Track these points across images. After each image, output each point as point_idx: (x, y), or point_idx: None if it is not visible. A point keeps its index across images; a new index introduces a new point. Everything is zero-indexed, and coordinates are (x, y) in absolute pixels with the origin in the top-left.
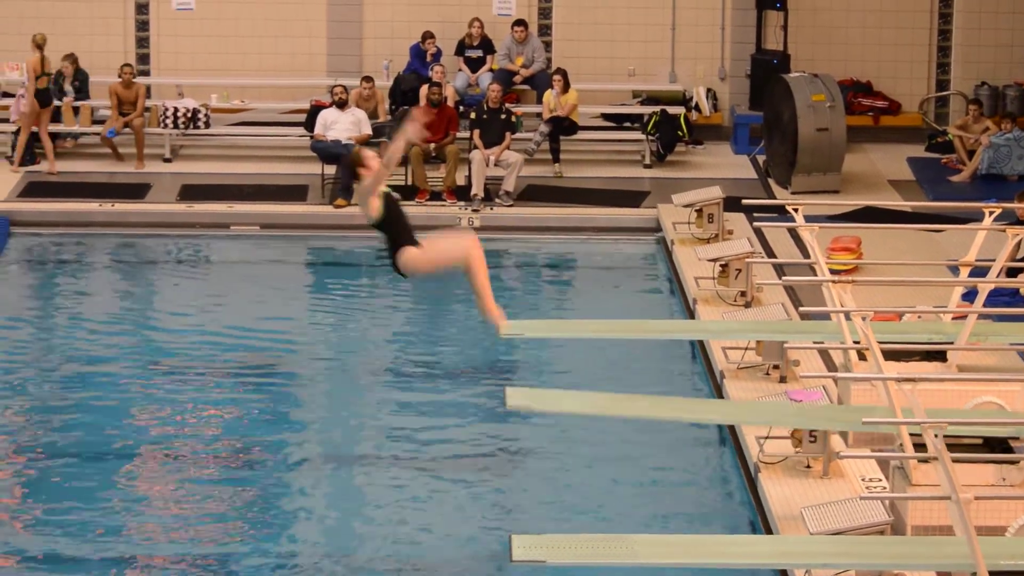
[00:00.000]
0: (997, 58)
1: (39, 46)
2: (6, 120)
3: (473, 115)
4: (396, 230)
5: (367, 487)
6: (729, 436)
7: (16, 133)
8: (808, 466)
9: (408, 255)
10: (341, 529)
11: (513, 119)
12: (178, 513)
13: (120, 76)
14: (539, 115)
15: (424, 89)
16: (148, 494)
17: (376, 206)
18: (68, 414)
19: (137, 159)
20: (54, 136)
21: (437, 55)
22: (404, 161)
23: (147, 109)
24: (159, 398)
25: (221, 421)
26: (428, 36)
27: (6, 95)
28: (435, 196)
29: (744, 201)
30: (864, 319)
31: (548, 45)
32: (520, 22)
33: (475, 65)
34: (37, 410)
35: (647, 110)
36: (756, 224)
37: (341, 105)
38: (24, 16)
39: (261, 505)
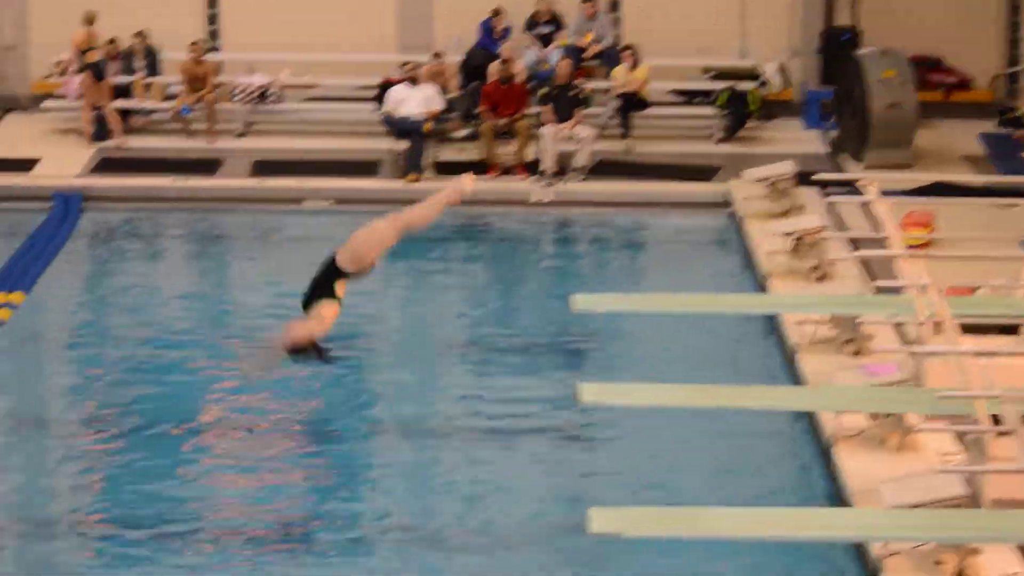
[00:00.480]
0: None
1: (88, 22)
2: (81, 96)
3: (543, 91)
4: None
5: (443, 458)
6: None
7: (91, 108)
8: (883, 440)
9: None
10: (417, 499)
11: (583, 95)
12: (256, 484)
13: (190, 52)
14: (609, 91)
15: (494, 65)
16: (224, 466)
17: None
18: (142, 388)
19: (209, 135)
20: (126, 113)
21: (506, 32)
22: (475, 136)
23: (218, 85)
24: (233, 372)
25: (296, 394)
26: (497, 13)
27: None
28: (507, 171)
29: (816, 176)
30: (938, 293)
31: (618, 21)
32: (589, 0)
33: (545, 41)
34: (111, 384)
35: (718, 86)
36: (830, 199)
37: (412, 81)
38: None
39: (337, 475)
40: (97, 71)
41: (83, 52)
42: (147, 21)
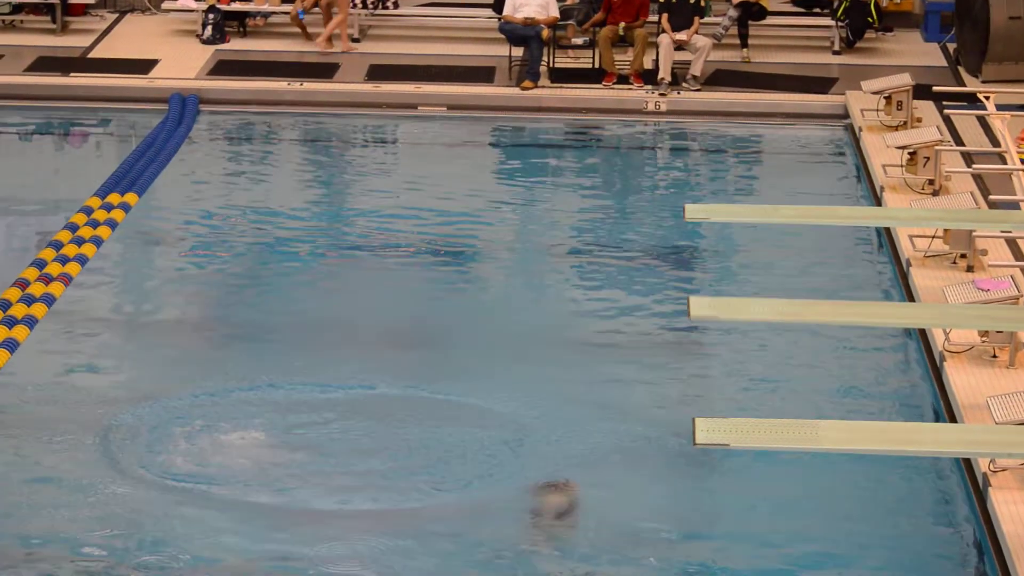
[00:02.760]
0: None
1: None
2: None
3: None
4: None
5: (551, 369)
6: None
7: (208, 11)
8: (994, 356)
9: None
10: (524, 410)
11: (702, 3)
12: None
13: None
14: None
15: None
16: (334, 369)
17: None
18: (256, 290)
19: (325, 39)
20: (244, 15)
21: None
22: (592, 44)
23: None
24: (344, 276)
25: (405, 300)
26: None
27: None
28: (622, 80)
29: (934, 88)
30: None
31: None
32: None
33: None
34: (224, 288)
35: None
36: (946, 112)
37: None
38: None
39: (445, 384)
40: None
41: None
42: None
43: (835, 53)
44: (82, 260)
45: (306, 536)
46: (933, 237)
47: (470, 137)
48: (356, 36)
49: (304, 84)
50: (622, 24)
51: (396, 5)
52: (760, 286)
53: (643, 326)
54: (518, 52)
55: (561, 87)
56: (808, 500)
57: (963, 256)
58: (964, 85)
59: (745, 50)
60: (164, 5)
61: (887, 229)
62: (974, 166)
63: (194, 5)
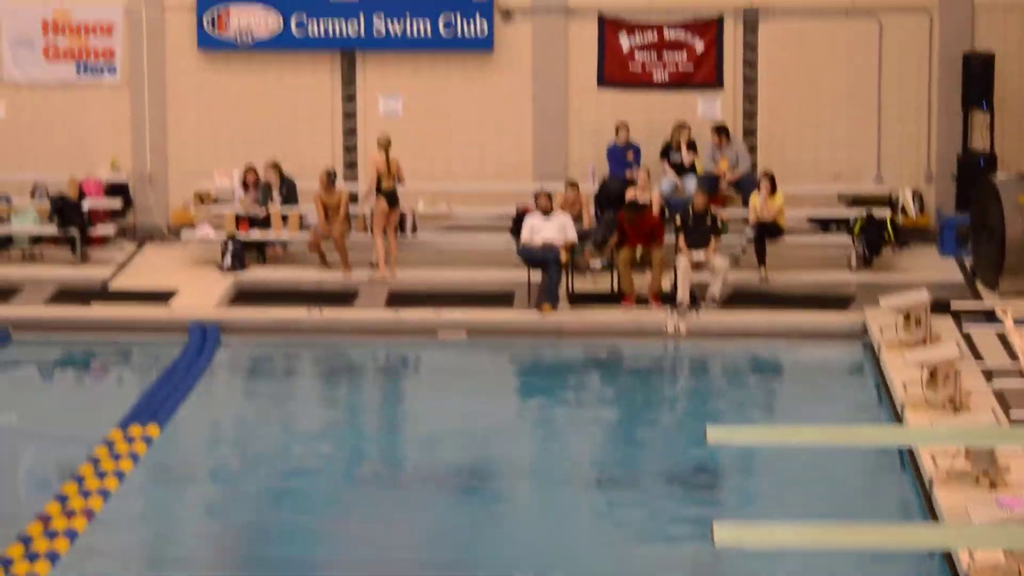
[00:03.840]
0: None
1: (384, 147)
2: (219, 227)
3: (679, 220)
4: None
5: None
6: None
7: (227, 240)
8: (1020, 574)
9: None
10: None
11: (719, 223)
12: None
13: (320, 182)
14: (745, 219)
15: (629, 194)
16: None
17: None
18: (279, 523)
19: (343, 265)
20: (263, 243)
21: (636, 156)
22: (610, 266)
23: (354, 215)
24: (365, 507)
25: (426, 529)
26: (622, 127)
27: (217, 202)
28: (641, 301)
29: (952, 305)
30: None
31: (753, 148)
32: (720, 128)
33: (680, 169)
34: (246, 522)
35: (853, 212)
36: (965, 328)
37: (545, 212)
38: (233, 124)
39: None
40: (391, 198)
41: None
42: (286, 151)
43: (853, 270)
44: (105, 494)
45: None
46: (955, 455)
47: (490, 362)
48: (374, 260)
49: (324, 311)
50: (639, 247)
51: (415, 230)
52: (783, 508)
53: (666, 552)
54: (537, 276)
55: (580, 310)
56: None
57: (986, 474)
58: (982, 299)
59: (763, 268)
60: (183, 234)
61: (909, 448)
62: (994, 383)
63: (213, 235)
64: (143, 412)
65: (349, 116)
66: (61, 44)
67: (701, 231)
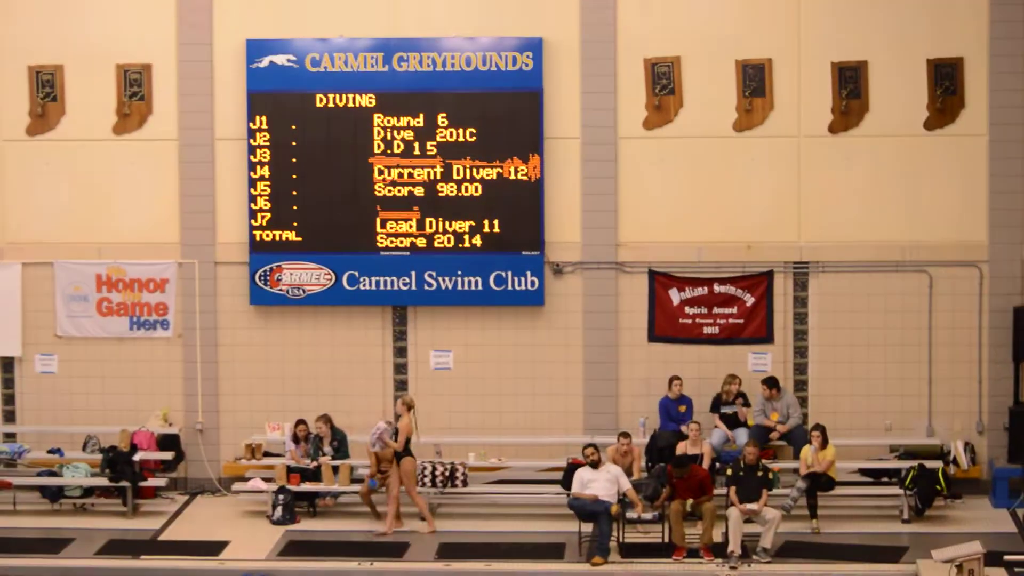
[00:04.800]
0: None
1: (409, 407)
2: (270, 479)
3: (729, 471)
4: None
5: None
6: None
7: (278, 491)
8: None
9: None
10: None
11: (770, 475)
12: None
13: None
14: (796, 470)
15: (681, 446)
16: None
17: None
18: None
19: (395, 518)
20: (314, 495)
21: (689, 409)
22: (661, 518)
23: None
24: None
25: None
26: (675, 382)
27: (268, 454)
28: (692, 553)
29: (1006, 557)
30: None
31: (804, 400)
32: (769, 381)
33: (731, 421)
34: None
35: (905, 464)
36: None
37: (594, 465)
38: (284, 377)
39: None
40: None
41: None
42: (339, 403)
43: (904, 522)
44: None
45: None
46: None
47: None
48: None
49: (375, 563)
50: (690, 500)
51: (465, 483)
52: None
53: None
54: (587, 528)
55: (631, 562)
56: None
57: None
58: None
59: (815, 520)
60: (234, 486)
61: None
62: None
63: (264, 486)
64: None
65: (400, 369)
66: (115, 299)
67: (752, 483)
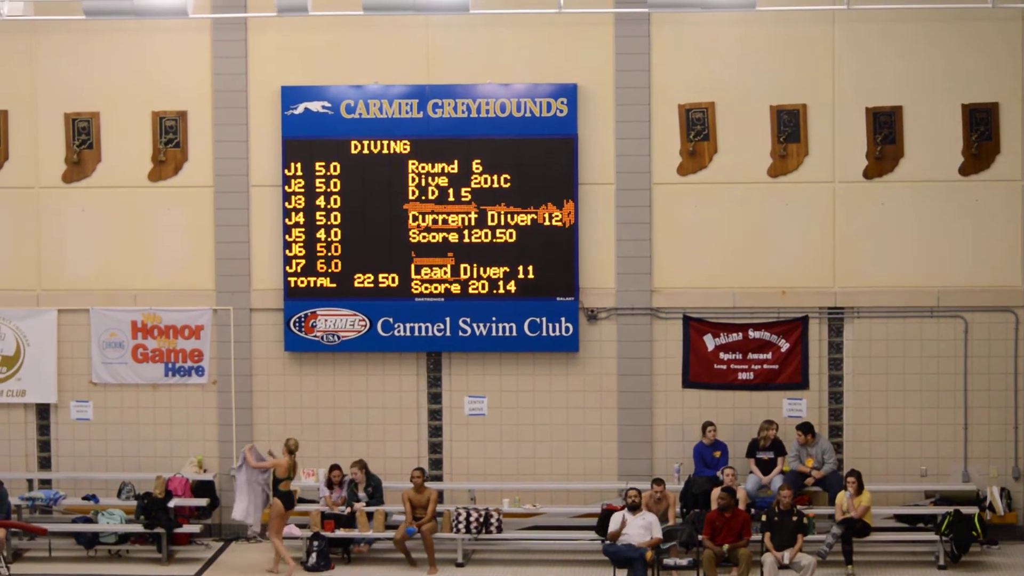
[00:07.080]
0: None
1: (291, 451)
2: (304, 525)
3: (764, 517)
4: None
5: None
6: None
7: (312, 538)
8: None
9: None
10: None
11: (805, 521)
12: None
13: (411, 481)
14: (831, 516)
15: (715, 492)
16: None
17: None
18: None
19: (429, 565)
20: (348, 541)
21: (724, 455)
22: (696, 564)
23: (439, 514)
24: None
25: None
26: (710, 428)
27: (302, 500)
28: None
29: None
30: None
31: (839, 446)
32: (804, 426)
33: (766, 467)
34: None
35: (940, 510)
36: None
37: (634, 508)
38: (318, 423)
39: None
40: (287, 500)
41: (279, 480)
42: (373, 449)
43: (941, 568)
44: None
45: None
46: None
47: None
48: (460, 561)
49: None
50: (726, 545)
51: (500, 529)
52: None
53: None
54: (622, 574)
55: None
56: None
57: None
58: None
59: (850, 567)
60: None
61: None
62: None
63: (298, 532)
64: None
65: (434, 415)
66: (150, 346)
67: (787, 528)
